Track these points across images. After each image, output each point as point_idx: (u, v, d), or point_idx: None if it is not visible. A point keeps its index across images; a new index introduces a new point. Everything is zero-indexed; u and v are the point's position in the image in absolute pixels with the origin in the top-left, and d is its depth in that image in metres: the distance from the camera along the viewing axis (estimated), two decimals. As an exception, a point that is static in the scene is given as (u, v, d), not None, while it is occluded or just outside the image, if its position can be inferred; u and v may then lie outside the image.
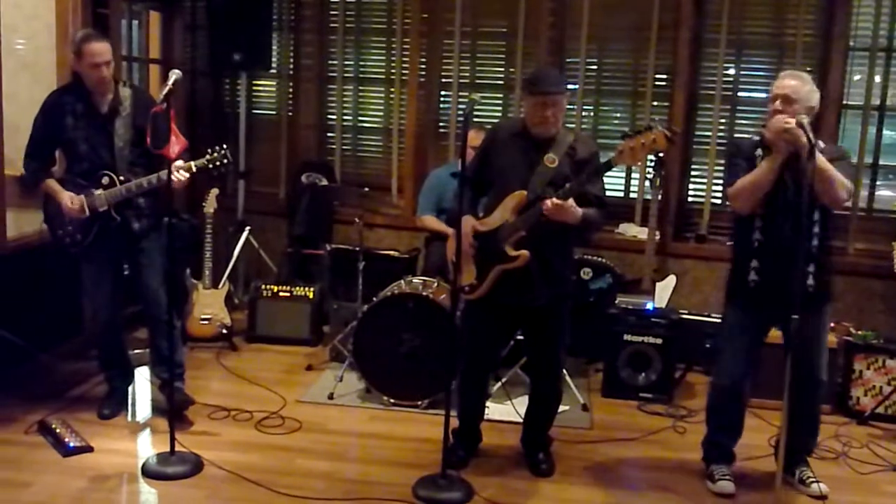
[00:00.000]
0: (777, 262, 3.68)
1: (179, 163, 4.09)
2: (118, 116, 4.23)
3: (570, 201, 3.61)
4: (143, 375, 4.87)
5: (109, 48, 4.17)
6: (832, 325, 5.03)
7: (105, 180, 4.19)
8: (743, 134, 5.77)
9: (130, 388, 4.68)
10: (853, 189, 3.74)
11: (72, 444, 3.99)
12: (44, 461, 3.90)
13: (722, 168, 5.66)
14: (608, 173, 3.87)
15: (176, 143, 3.87)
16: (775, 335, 4.01)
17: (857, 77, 5.81)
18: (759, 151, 3.76)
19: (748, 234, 3.80)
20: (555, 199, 3.59)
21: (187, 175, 4.12)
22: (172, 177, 3.98)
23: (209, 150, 4.19)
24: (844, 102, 5.79)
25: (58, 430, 4.09)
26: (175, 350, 4.39)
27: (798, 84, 3.64)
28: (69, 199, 4.19)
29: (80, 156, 4.24)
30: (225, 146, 4.21)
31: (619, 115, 6.34)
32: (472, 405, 4.17)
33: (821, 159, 3.49)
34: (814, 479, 3.94)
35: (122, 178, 4.21)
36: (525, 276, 3.77)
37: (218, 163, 4.17)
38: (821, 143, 3.62)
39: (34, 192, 4.43)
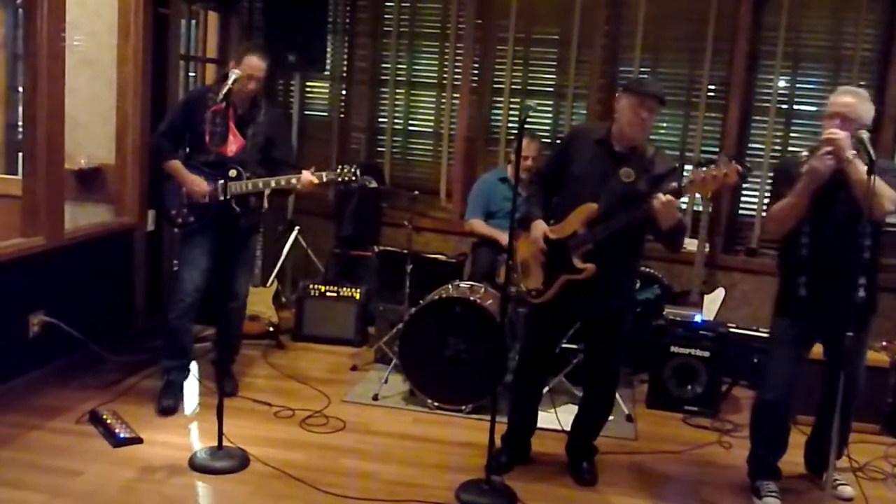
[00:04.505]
0: (826, 277, 3.66)
1: (308, 174, 4.37)
2: (254, 120, 4.44)
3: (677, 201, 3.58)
4: (193, 369, 4.94)
5: (265, 67, 4.37)
6: (884, 343, 4.98)
7: (233, 172, 4.30)
8: (797, 148, 5.70)
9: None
10: None
11: (122, 435, 4.06)
12: (94, 451, 3.97)
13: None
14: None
15: (234, 142, 3.93)
16: (816, 351, 3.97)
17: (914, 92, 5.71)
18: (805, 168, 3.64)
19: (795, 249, 3.76)
20: (667, 196, 3.52)
21: (315, 181, 4.38)
22: (303, 179, 4.35)
23: (339, 166, 4.42)
24: (902, 118, 5.70)
25: (108, 421, 4.16)
26: (239, 337, 5.03)
27: (855, 101, 3.57)
28: (197, 180, 4.38)
29: (208, 148, 4.38)
30: (355, 166, 4.39)
31: (665, 125, 6.24)
32: (523, 409, 4.16)
33: (860, 171, 3.42)
34: (842, 482, 3.98)
35: (248, 174, 4.39)
36: (590, 287, 3.76)
37: (347, 178, 4.38)
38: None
39: (157, 167, 4.60)
